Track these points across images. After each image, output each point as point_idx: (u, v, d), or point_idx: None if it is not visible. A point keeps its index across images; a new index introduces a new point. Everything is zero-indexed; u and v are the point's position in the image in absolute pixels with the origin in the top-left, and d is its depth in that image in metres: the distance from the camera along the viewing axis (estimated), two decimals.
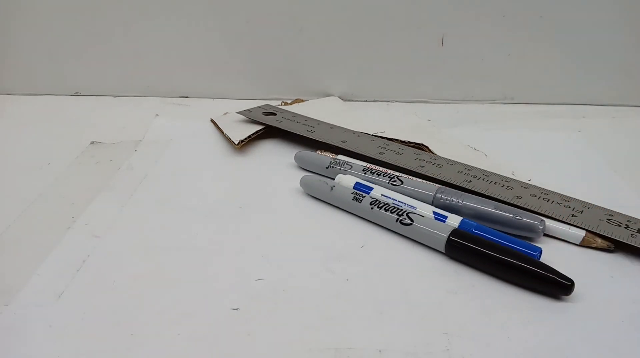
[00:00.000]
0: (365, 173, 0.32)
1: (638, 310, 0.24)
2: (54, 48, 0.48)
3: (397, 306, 0.24)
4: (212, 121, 0.43)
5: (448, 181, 0.32)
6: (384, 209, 0.29)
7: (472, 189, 0.31)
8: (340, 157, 0.35)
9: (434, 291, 0.25)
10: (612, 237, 0.27)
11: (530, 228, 0.28)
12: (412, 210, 0.29)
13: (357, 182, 0.31)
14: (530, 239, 0.28)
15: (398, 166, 0.34)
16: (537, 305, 0.24)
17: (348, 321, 0.23)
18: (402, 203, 0.30)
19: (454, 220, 0.28)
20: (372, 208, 0.29)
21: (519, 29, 0.47)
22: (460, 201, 0.29)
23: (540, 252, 0.26)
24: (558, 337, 0.22)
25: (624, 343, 0.22)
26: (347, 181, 0.32)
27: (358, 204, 0.29)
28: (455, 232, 0.26)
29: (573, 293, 0.24)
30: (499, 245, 0.26)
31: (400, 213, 0.28)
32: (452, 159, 0.35)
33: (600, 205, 0.30)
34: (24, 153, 0.37)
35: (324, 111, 0.43)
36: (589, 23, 0.47)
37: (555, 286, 0.24)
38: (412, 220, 0.28)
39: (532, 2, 0.46)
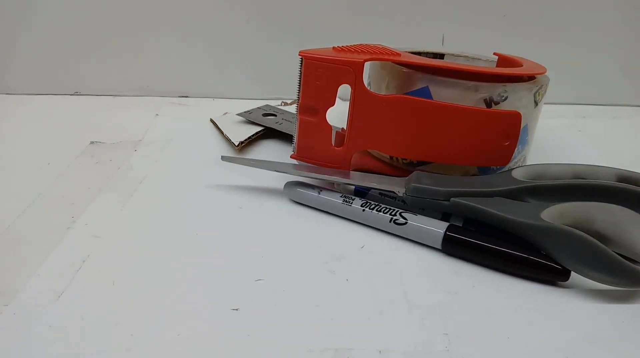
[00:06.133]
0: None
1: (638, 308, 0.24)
2: (54, 48, 0.48)
3: (397, 306, 0.24)
4: (211, 121, 0.43)
5: None
6: (376, 210, 0.28)
7: None
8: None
9: (434, 291, 0.25)
10: None
11: None
12: (405, 209, 0.29)
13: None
14: None
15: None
16: (538, 305, 0.24)
17: (348, 321, 0.23)
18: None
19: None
20: (363, 210, 0.29)
21: (519, 29, 0.47)
22: None
23: None
24: (558, 337, 0.22)
25: (626, 344, 0.22)
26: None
27: (349, 208, 0.29)
28: (451, 227, 0.27)
29: (573, 290, 0.24)
30: (494, 237, 0.26)
31: (393, 213, 0.28)
32: None
33: None
34: (24, 153, 0.37)
35: None
36: (589, 23, 0.47)
37: (553, 272, 0.24)
38: (406, 219, 0.28)
39: (532, 2, 0.46)
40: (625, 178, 0.28)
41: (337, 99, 0.30)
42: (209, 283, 0.25)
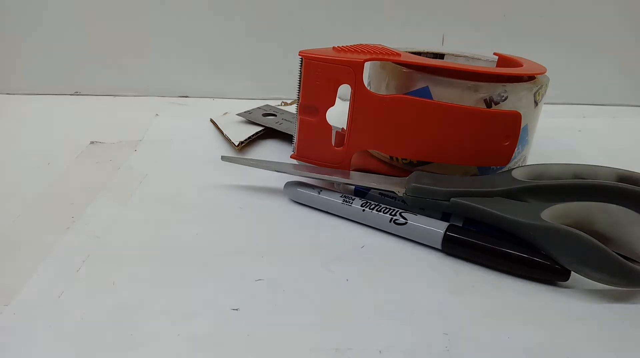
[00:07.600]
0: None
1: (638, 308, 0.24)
2: (54, 48, 0.48)
3: (397, 307, 0.24)
4: (211, 121, 0.43)
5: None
6: (376, 210, 0.28)
7: None
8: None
9: (434, 291, 0.25)
10: None
11: None
12: (405, 209, 0.29)
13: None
14: None
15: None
16: (537, 305, 0.24)
17: (348, 321, 0.23)
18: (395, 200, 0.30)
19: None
20: (363, 210, 0.29)
21: (519, 29, 0.47)
22: None
23: None
24: (558, 337, 0.22)
25: (626, 344, 0.22)
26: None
27: (349, 208, 0.29)
28: (451, 227, 0.27)
29: (573, 290, 0.24)
30: (494, 237, 0.26)
31: (393, 213, 0.28)
32: None
33: None
34: (24, 153, 0.37)
35: None
36: (589, 23, 0.47)
37: (553, 272, 0.24)
38: (406, 219, 0.28)
39: (532, 2, 0.46)
40: (625, 178, 0.28)
41: (337, 99, 0.30)
42: (209, 283, 0.25)
